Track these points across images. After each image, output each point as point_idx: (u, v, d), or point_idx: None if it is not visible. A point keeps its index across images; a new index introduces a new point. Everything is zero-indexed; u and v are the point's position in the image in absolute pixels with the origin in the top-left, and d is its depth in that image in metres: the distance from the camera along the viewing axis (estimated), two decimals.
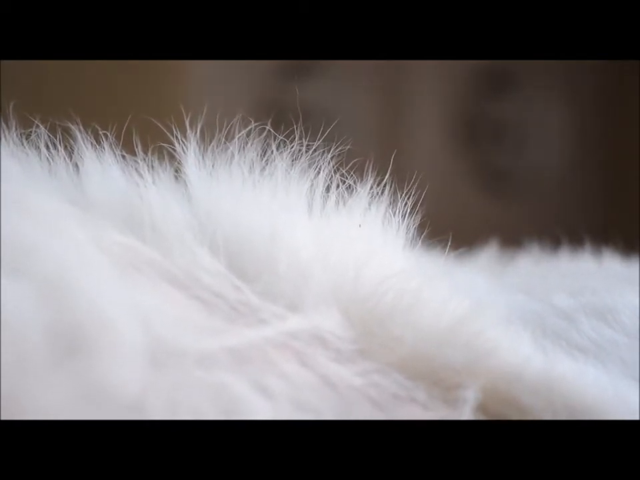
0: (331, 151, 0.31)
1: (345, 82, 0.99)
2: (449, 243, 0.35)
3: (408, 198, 0.32)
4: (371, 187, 0.32)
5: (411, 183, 0.32)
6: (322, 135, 0.32)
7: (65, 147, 0.31)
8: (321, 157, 0.31)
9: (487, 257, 0.47)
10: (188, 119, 0.30)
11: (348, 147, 0.32)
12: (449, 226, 0.35)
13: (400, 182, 0.32)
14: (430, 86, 1.03)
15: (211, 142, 0.31)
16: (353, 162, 0.32)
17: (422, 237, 0.33)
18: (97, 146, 0.31)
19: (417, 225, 0.32)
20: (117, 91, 0.92)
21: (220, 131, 0.31)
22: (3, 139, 0.31)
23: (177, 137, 0.31)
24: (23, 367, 0.25)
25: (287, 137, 0.31)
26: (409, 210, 0.32)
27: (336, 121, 0.32)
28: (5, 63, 0.75)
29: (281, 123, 0.32)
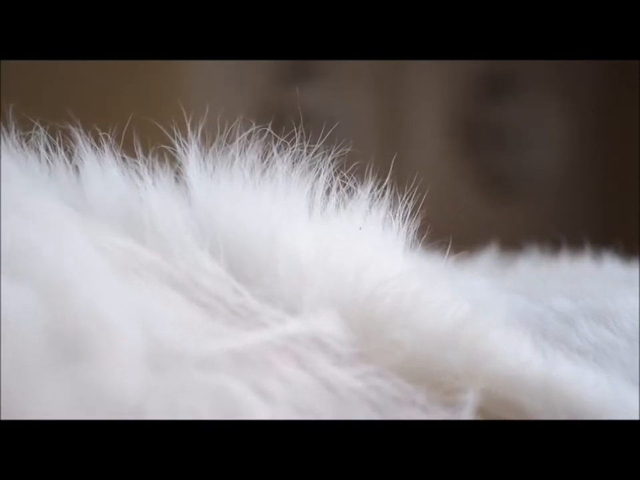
0: (331, 154, 0.31)
1: (344, 83, 0.99)
2: (449, 246, 0.35)
3: (408, 201, 0.32)
4: (372, 190, 0.32)
5: (411, 186, 0.32)
6: (322, 137, 0.32)
7: (65, 149, 0.31)
8: (322, 159, 0.31)
9: (487, 260, 0.47)
10: (189, 121, 0.30)
11: (348, 149, 0.32)
12: (449, 229, 0.35)
13: (400, 185, 0.32)
14: (430, 89, 1.03)
15: (211, 144, 0.31)
16: (353, 165, 0.32)
17: (422, 239, 0.33)
18: (97, 148, 0.31)
19: (417, 227, 0.32)
20: (117, 91, 0.92)
21: (221, 133, 0.31)
22: (2, 142, 0.31)
23: (177, 139, 0.31)
24: (23, 370, 0.25)
25: (288, 139, 0.31)
26: (409, 213, 0.32)
27: (336, 124, 0.32)
28: (5, 64, 0.75)
29: (281, 125, 0.32)
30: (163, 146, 0.31)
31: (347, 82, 0.99)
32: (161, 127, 0.30)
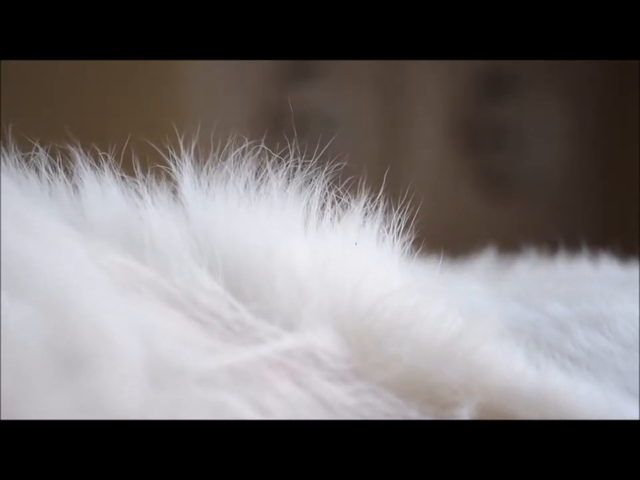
0: (325, 169, 0.32)
1: (344, 83, 0.99)
2: (447, 251, 0.35)
3: (403, 211, 0.32)
4: (365, 204, 0.32)
5: (405, 196, 0.32)
6: (317, 153, 0.32)
7: (65, 169, 0.31)
8: (316, 175, 0.32)
9: (485, 263, 0.47)
10: (182, 138, 0.31)
11: (344, 164, 0.32)
12: (448, 230, 0.35)
13: (397, 192, 0.33)
14: (430, 89, 1.02)
15: (206, 161, 0.31)
16: (348, 179, 0.32)
17: (419, 246, 0.33)
18: (97, 167, 0.31)
19: (413, 237, 0.32)
20: (117, 90, 0.92)
21: (215, 149, 0.31)
22: (2, 162, 0.31)
23: (172, 157, 0.31)
24: (24, 383, 0.25)
25: (282, 154, 0.31)
26: (404, 223, 0.32)
27: (332, 139, 0.32)
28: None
29: (281, 127, 0.32)
30: (158, 165, 0.31)
31: (347, 82, 0.98)
32: (156, 147, 0.30)
